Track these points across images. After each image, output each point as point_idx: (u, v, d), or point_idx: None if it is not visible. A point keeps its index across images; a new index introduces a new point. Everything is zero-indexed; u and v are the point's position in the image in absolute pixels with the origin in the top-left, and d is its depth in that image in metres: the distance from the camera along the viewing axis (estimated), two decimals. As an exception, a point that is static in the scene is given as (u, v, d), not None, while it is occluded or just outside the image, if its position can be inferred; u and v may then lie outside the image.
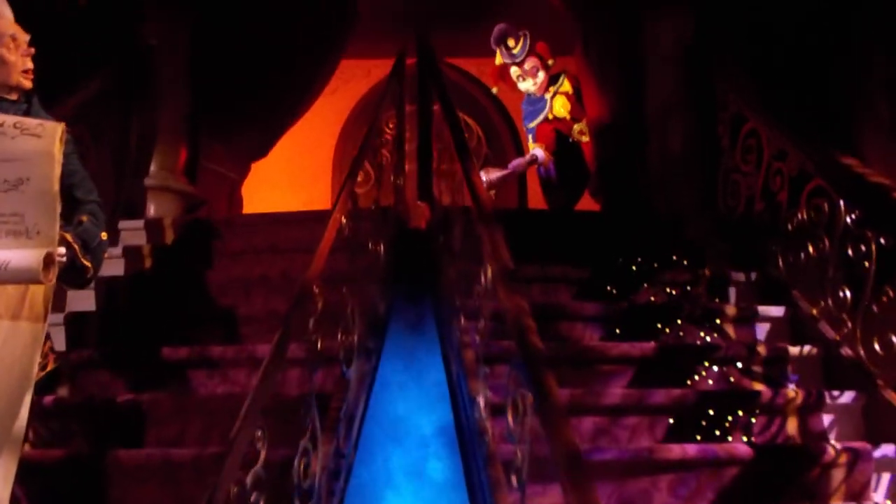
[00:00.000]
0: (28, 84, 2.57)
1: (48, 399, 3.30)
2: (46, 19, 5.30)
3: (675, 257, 4.33)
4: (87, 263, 2.55)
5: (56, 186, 2.35)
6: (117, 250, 4.68)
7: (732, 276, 4.27)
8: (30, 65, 2.55)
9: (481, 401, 2.71)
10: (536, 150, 6.00)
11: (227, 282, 4.30)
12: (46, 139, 2.37)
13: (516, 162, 6.38)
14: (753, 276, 4.30)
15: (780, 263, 4.12)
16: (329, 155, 8.66)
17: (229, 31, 5.97)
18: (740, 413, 3.24)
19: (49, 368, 2.62)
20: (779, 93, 4.70)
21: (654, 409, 3.22)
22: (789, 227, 4.00)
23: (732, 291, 4.23)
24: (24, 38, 2.56)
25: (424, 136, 4.87)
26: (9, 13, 2.57)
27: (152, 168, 5.74)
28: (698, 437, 3.16)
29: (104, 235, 2.64)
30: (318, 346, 2.64)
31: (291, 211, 5.72)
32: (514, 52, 6.00)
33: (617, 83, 5.97)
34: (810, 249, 3.76)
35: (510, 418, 2.16)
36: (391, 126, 5.30)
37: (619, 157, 5.92)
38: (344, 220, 3.14)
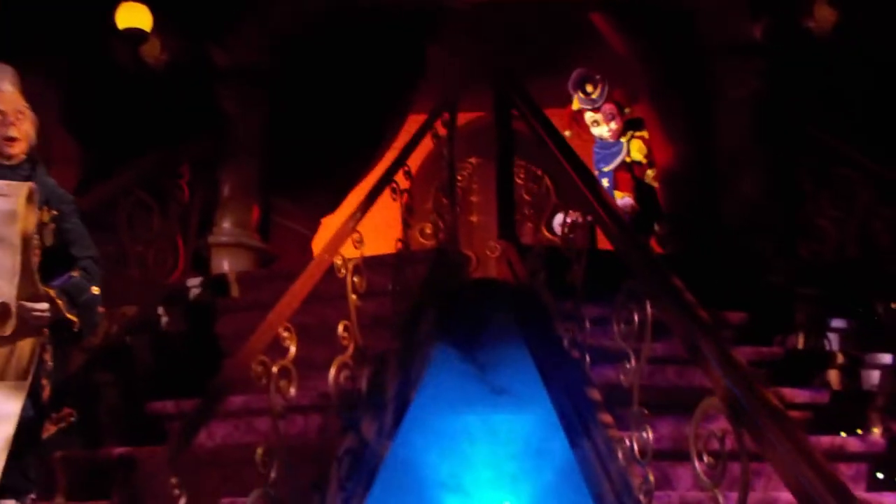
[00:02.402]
0: (10, 151, 2.58)
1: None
2: (127, 91, 5.26)
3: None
4: (73, 318, 2.51)
5: (17, 242, 2.41)
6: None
7: (832, 322, 3.79)
8: (12, 133, 2.57)
9: (631, 444, 2.53)
10: (626, 200, 5.46)
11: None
12: (12, 198, 2.45)
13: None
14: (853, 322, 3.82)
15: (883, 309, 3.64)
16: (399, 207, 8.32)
17: (298, 95, 5.83)
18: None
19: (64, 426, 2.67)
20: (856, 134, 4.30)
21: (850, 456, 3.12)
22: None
23: (833, 338, 3.75)
24: (12, 107, 2.58)
25: (504, 175, 4.62)
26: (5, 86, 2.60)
27: (226, 225, 5.55)
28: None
29: (95, 290, 2.60)
30: (288, 393, 2.55)
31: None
32: (593, 97, 5.55)
33: (686, 131, 5.63)
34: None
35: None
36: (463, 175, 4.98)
37: (691, 203, 5.50)
38: (339, 262, 3.10)
